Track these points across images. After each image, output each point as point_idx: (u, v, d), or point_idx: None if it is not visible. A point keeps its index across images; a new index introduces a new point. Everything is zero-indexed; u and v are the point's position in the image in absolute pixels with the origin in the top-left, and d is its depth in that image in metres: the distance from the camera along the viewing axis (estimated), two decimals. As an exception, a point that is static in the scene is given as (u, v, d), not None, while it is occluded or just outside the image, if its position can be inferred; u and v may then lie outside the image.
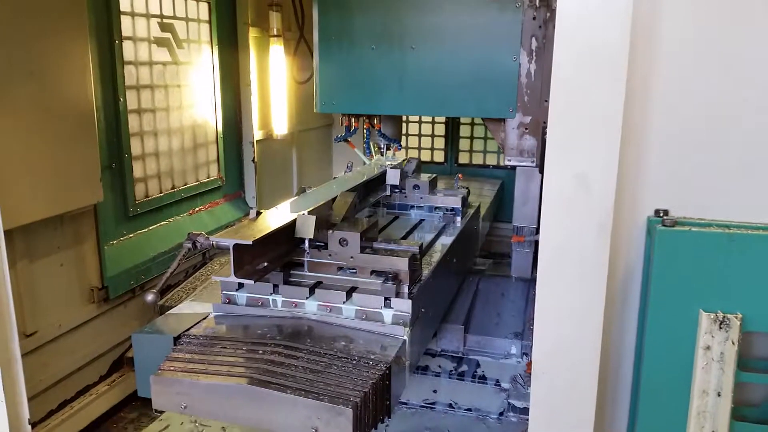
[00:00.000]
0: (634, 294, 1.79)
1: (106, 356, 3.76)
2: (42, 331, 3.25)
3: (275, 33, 5.24)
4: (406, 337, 2.51)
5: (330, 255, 2.75)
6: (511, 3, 3.61)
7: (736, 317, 1.62)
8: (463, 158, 6.35)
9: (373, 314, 2.60)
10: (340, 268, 2.78)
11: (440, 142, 6.39)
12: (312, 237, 2.65)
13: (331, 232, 2.73)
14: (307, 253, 2.77)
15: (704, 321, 1.61)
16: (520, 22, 3.59)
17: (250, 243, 2.29)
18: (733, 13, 1.70)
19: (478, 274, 4.33)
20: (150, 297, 2.78)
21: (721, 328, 1.61)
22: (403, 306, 2.58)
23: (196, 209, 4.59)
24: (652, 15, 1.72)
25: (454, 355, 3.52)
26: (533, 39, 3.54)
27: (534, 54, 3.54)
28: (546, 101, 3.55)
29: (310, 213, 2.71)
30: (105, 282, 3.63)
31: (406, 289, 2.64)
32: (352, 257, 2.72)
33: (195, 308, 2.80)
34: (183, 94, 4.39)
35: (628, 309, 1.81)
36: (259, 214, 2.72)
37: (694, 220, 1.69)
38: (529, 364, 3.22)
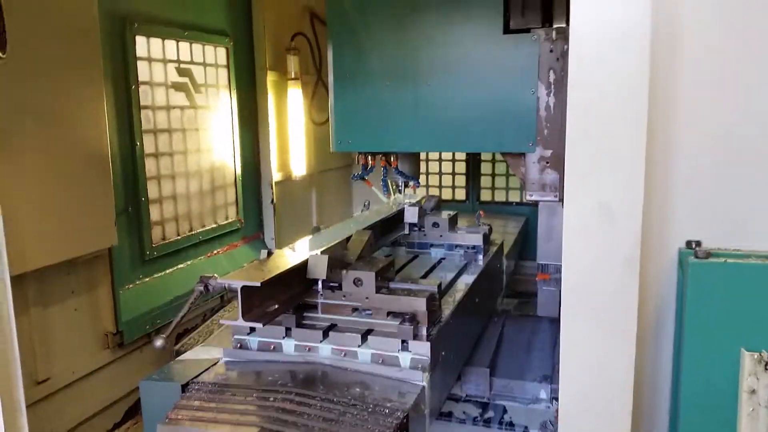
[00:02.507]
0: (668, 334, 1.65)
1: (120, 403, 3.67)
2: (55, 377, 3.18)
3: (293, 76, 5.28)
4: (425, 383, 2.37)
5: (344, 296, 2.65)
6: (527, 36, 3.56)
7: (783, 357, 1.46)
8: (485, 195, 6.24)
9: (389, 358, 2.48)
10: (355, 310, 2.67)
11: (461, 180, 6.31)
12: (325, 277, 2.55)
13: (345, 272, 2.63)
14: (321, 294, 2.68)
15: (747, 361, 1.46)
16: (537, 55, 3.53)
17: (259, 285, 2.20)
18: (757, 31, 1.60)
19: (503, 314, 4.16)
20: (159, 342, 2.70)
21: (766, 369, 1.45)
22: (422, 349, 2.45)
23: (214, 252, 4.54)
24: (672, 37, 1.63)
25: (479, 400, 3.34)
26: (551, 72, 3.46)
27: (552, 87, 3.46)
28: (565, 133, 3.46)
29: (323, 252, 2.63)
30: (120, 327, 3.57)
31: (424, 331, 2.52)
32: (367, 298, 2.61)
33: (205, 354, 2.71)
34: (201, 137, 4.41)
35: (661, 350, 1.66)
36: (270, 254, 2.64)
37: (729, 252, 1.56)
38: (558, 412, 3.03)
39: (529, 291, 5.18)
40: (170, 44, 4.11)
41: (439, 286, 2.71)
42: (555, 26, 3.55)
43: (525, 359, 3.57)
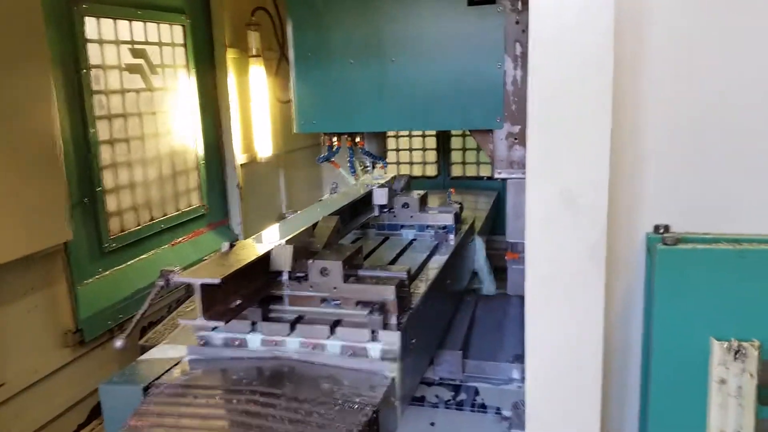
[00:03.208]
0: (635, 323, 1.60)
1: (84, 403, 3.55)
2: (12, 380, 3.05)
3: (254, 53, 5.09)
4: (395, 374, 2.32)
5: (311, 287, 2.57)
6: (492, 8, 3.45)
7: (753, 345, 1.43)
8: (457, 170, 6.18)
9: (359, 349, 2.41)
10: (323, 300, 2.59)
11: (432, 156, 6.23)
12: (290, 269, 2.47)
13: (311, 261, 2.54)
14: (287, 285, 2.59)
15: (717, 350, 1.42)
16: (503, 28, 3.43)
17: (218, 281, 2.11)
18: (729, 1, 1.53)
19: (475, 293, 4.13)
20: (119, 343, 2.59)
21: (736, 358, 1.42)
22: (392, 338, 2.39)
23: (178, 240, 4.40)
24: (638, 12, 1.55)
25: (452, 383, 3.31)
26: (517, 44, 3.37)
27: (519, 60, 3.38)
28: (534, 109, 3.40)
29: (288, 242, 2.53)
30: (79, 324, 3.44)
31: (394, 320, 2.45)
32: (335, 288, 2.53)
33: (169, 352, 2.62)
34: (159, 121, 4.23)
35: (629, 340, 1.62)
36: (233, 246, 2.54)
37: (698, 236, 1.51)
38: (533, 390, 3.02)
39: (501, 266, 5.16)
40: (123, 24, 3.91)
41: (409, 271, 2.64)
42: (521, -3, 3.45)
43: (497, 339, 3.54)
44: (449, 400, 3.23)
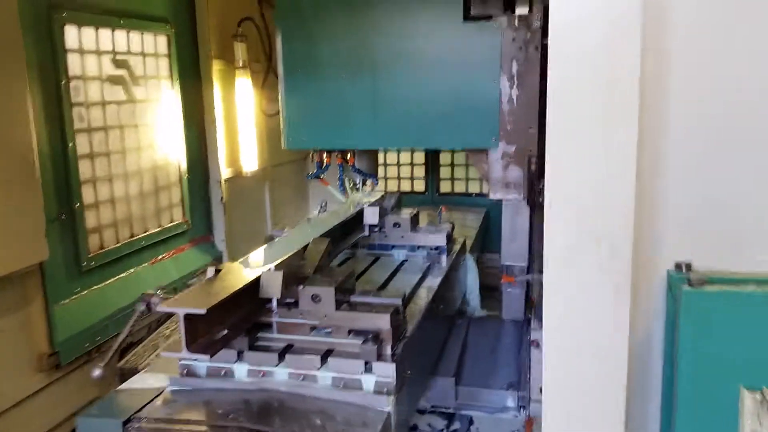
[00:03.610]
0: (656, 369, 1.51)
1: (62, 428, 3.37)
2: (-19, 410, 2.87)
3: (241, 65, 4.96)
4: (390, 409, 2.20)
5: (301, 314, 2.44)
6: (488, 24, 3.38)
7: (786, 394, 1.34)
8: (445, 187, 6.09)
9: (352, 382, 2.29)
10: (314, 328, 2.47)
11: (420, 171, 6.13)
12: (280, 296, 2.34)
13: (301, 287, 2.42)
14: (275, 312, 2.46)
15: (748, 402, 1.33)
16: (499, 45, 3.36)
17: (204, 312, 1.97)
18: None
19: (465, 315, 4.02)
20: (97, 372, 2.45)
21: (769, 409, 1.32)
22: (387, 370, 2.27)
23: (159, 258, 4.24)
24: (659, 35, 1.46)
25: (445, 411, 3.20)
26: (514, 62, 3.30)
27: (515, 78, 3.31)
28: (530, 128, 3.32)
29: (277, 267, 2.40)
30: (55, 347, 3.26)
31: (389, 350, 2.34)
32: (326, 316, 2.42)
33: (149, 381, 2.46)
34: (141, 134, 4.08)
35: (650, 387, 1.52)
36: (218, 271, 2.40)
37: (725, 276, 1.41)
38: (530, 421, 2.91)
39: (492, 285, 5.07)
40: (105, 33, 3.76)
41: (403, 298, 2.53)
42: (518, 13, 3.38)
43: (491, 365, 3.44)
44: (442, 430, 3.11)
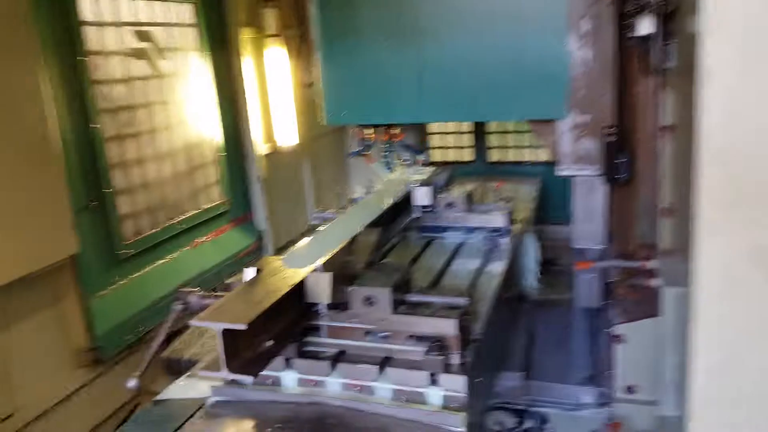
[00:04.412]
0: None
1: (107, 424, 3.23)
2: (21, 411, 2.72)
3: (272, 32, 4.62)
4: (462, 429, 1.91)
5: (354, 317, 2.16)
6: (553, -24, 2.94)
7: None
8: (495, 155, 5.68)
9: (415, 395, 2.01)
10: (368, 332, 2.19)
11: (468, 139, 5.73)
12: (329, 301, 2.05)
13: (352, 288, 2.13)
14: (325, 315, 2.19)
15: None
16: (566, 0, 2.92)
17: (245, 327, 1.70)
18: None
19: (525, 299, 3.68)
20: (132, 383, 2.22)
21: None
22: (456, 383, 1.98)
23: (200, 240, 4.02)
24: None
25: (514, 407, 2.90)
26: (584, 20, 2.86)
27: (585, 38, 2.87)
28: (606, 94, 2.90)
29: (325, 266, 2.11)
30: (96, 341, 3.09)
31: (457, 359, 2.04)
32: (382, 320, 2.12)
33: (189, 391, 2.23)
34: (171, 111, 3.82)
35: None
36: (259, 271, 2.12)
37: None
38: (616, 425, 2.59)
39: (551, 258, 4.71)
40: (124, 4, 3.47)
41: (469, 297, 2.21)
42: (587, -40, 2.93)
43: (563, 357, 3.13)
44: (514, 428, 2.82)
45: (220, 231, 4.26)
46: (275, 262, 2.26)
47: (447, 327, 2.04)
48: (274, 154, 4.80)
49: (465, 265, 3.00)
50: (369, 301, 2.11)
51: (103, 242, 3.28)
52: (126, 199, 3.45)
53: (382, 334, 2.16)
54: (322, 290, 2.03)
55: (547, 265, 4.68)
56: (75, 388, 3.07)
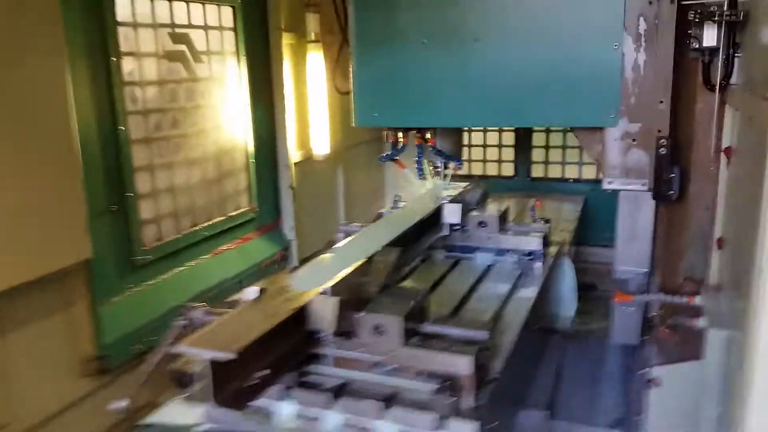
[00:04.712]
0: None
1: (110, 436, 3.13)
2: (19, 421, 2.64)
3: (313, 38, 4.52)
4: (469, 483, 1.71)
5: (362, 347, 1.99)
6: (608, -28, 2.70)
7: None
8: (537, 171, 5.42)
9: (421, 439, 1.81)
10: (375, 364, 2.01)
11: (509, 153, 5.50)
12: (334, 329, 1.89)
13: (361, 315, 1.96)
14: (330, 343, 2.02)
15: None
16: (623, -2, 2.68)
17: (232, 356, 1.55)
18: None
19: (557, 330, 3.43)
20: (120, 405, 2.10)
21: None
22: (467, 430, 1.78)
23: (222, 248, 3.92)
24: None
25: (536, 451, 2.68)
26: (641, 19, 2.62)
27: (643, 39, 2.63)
28: (661, 102, 2.64)
29: (334, 288, 1.95)
30: (103, 349, 3.01)
31: (470, 401, 1.85)
32: (391, 351, 1.94)
33: (180, 416, 2.10)
34: (203, 115, 3.74)
35: None
36: (263, 291, 1.98)
37: None
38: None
39: (589, 283, 4.43)
40: (161, 5, 3.41)
41: (490, 328, 2.01)
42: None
43: (591, 396, 2.88)
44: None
45: (246, 239, 4.16)
46: (283, 280, 2.12)
47: (461, 365, 1.84)
48: (307, 162, 4.69)
49: (493, 290, 2.80)
50: (378, 330, 1.93)
51: (121, 247, 3.20)
52: (149, 203, 3.38)
53: (391, 366, 1.99)
54: (326, 317, 1.87)
55: (586, 291, 4.41)
56: (78, 397, 2.97)
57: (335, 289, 1.94)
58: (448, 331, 2.01)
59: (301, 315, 1.87)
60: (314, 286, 1.97)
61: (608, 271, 3.92)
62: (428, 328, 2.03)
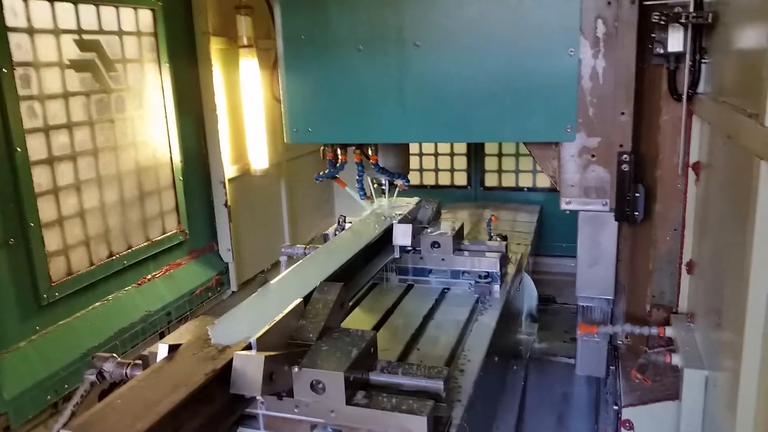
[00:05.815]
0: None
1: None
2: None
3: (246, 43, 4.16)
4: None
5: (296, 407, 1.66)
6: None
7: None
8: (491, 180, 5.21)
9: None
10: (314, 427, 1.70)
11: (461, 162, 5.27)
12: (260, 394, 1.55)
13: (295, 370, 1.64)
14: (261, 402, 1.69)
15: None
16: (579, -1, 2.45)
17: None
18: None
19: (522, 353, 3.19)
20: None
21: None
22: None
23: (146, 278, 3.52)
24: None
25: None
26: (599, 22, 2.40)
27: (601, 44, 2.40)
28: (623, 114, 2.42)
29: (260, 342, 1.62)
30: (2, 405, 2.58)
31: (428, 465, 1.55)
32: (332, 411, 1.63)
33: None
34: (119, 130, 3.34)
35: None
36: (173, 348, 1.63)
37: None
38: None
39: (547, 295, 4.25)
40: (64, 7, 3.00)
41: (446, 379, 1.72)
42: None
43: (557, 427, 2.64)
44: None
45: (176, 265, 3.76)
46: (202, 326, 1.78)
47: (414, 426, 1.55)
48: (245, 177, 4.32)
49: (448, 318, 2.53)
50: (317, 387, 1.61)
51: (23, 285, 2.78)
52: (56, 232, 2.96)
53: (333, 428, 1.67)
54: (252, 379, 1.53)
55: (545, 303, 4.21)
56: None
57: (262, 342, 1.61)
58: (399, 380, 1.71)
59: (222, 379, 1.53)
60: (238, 338, 1.64)
61: (568, 282, 3.73)
62: (377, 377, 1.73)
